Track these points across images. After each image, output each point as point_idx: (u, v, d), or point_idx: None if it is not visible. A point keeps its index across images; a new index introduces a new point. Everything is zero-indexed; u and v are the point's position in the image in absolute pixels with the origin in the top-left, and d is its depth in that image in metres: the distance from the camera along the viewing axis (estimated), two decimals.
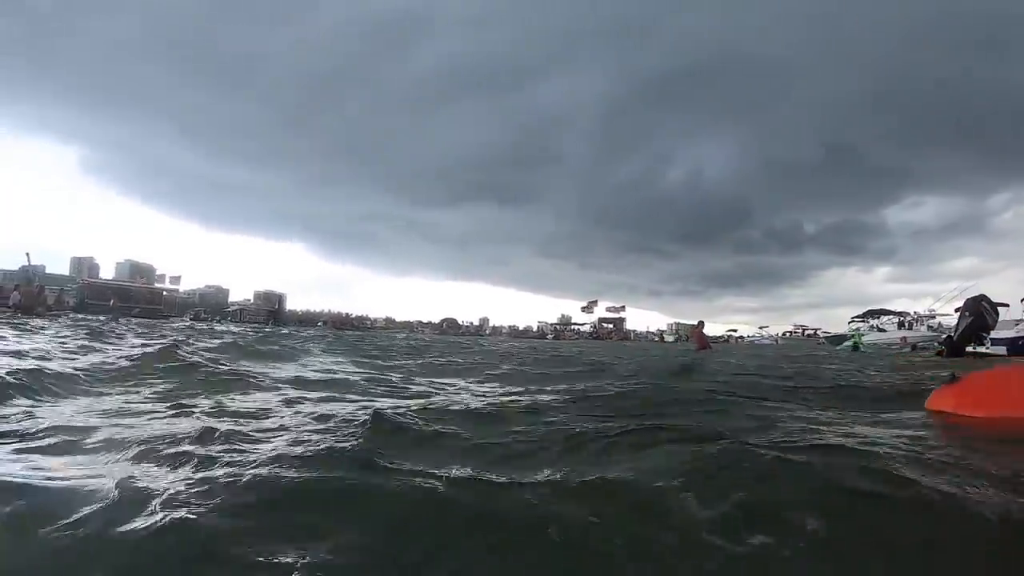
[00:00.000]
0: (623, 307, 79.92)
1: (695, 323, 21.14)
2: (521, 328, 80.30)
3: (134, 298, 39.94)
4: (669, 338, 68.21)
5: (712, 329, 78.53)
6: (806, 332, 73.67)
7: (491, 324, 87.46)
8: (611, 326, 74.93)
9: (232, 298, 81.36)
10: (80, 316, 22.77)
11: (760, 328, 74.93)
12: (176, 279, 48.29)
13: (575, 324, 79.14)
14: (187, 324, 26.77)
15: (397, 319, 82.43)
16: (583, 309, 79.33)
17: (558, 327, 77.19)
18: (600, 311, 77.90)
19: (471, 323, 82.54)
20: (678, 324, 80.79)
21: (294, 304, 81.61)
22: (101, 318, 23.01)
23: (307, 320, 69.58)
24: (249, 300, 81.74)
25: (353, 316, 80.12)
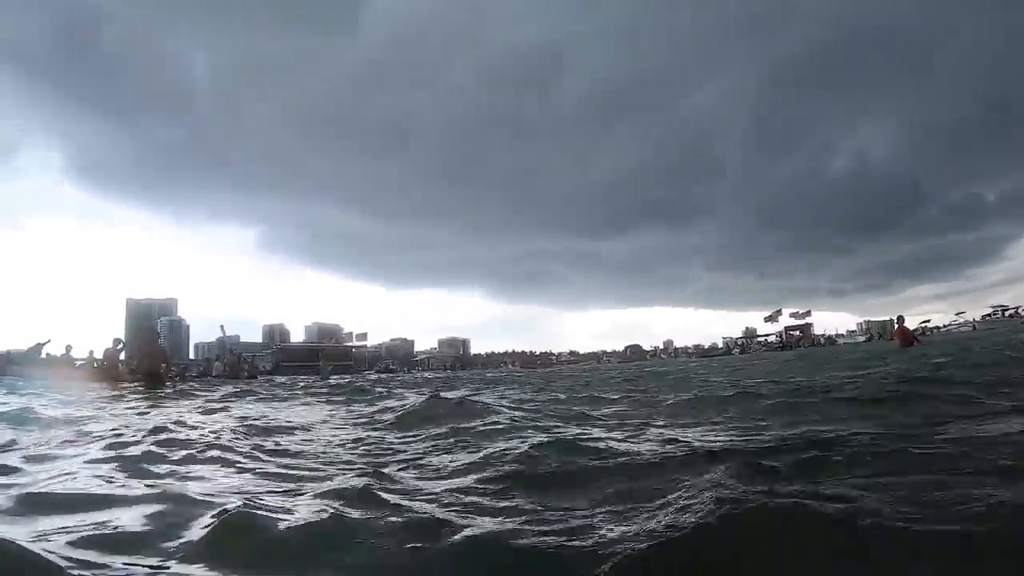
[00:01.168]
0: (808, 312, 74.52)
1: (888, 319, 16.59)
2: (706, 347, 76.97)
3: (328, 356, 41.87)
4: (860, 338, 63.27)
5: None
6: (1007, 313, 59.88)
7: (675, 345, 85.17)
8: (798, 333, 70.08)
9: (418, 348, 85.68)
10: (279, 379, 23.45)
11: (957, 315, 65.15)
12: (363, 336, 50.75)
13: (760, 336, 75.55)
14: (375, 377, 27.10)
15: (581, 351, 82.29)
16: (767, 319, 74.87)
17: (743, 341, 73.90)
18: (785, 319, 73.17)
19: (655, 347, 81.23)
20: (868, 322, 74.77)
21: (478, 348, 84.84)
22: (306, 378, 23.79)
23: (490, 362, 71.65)
24: (435, 348, 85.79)
25: (537, 353, 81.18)
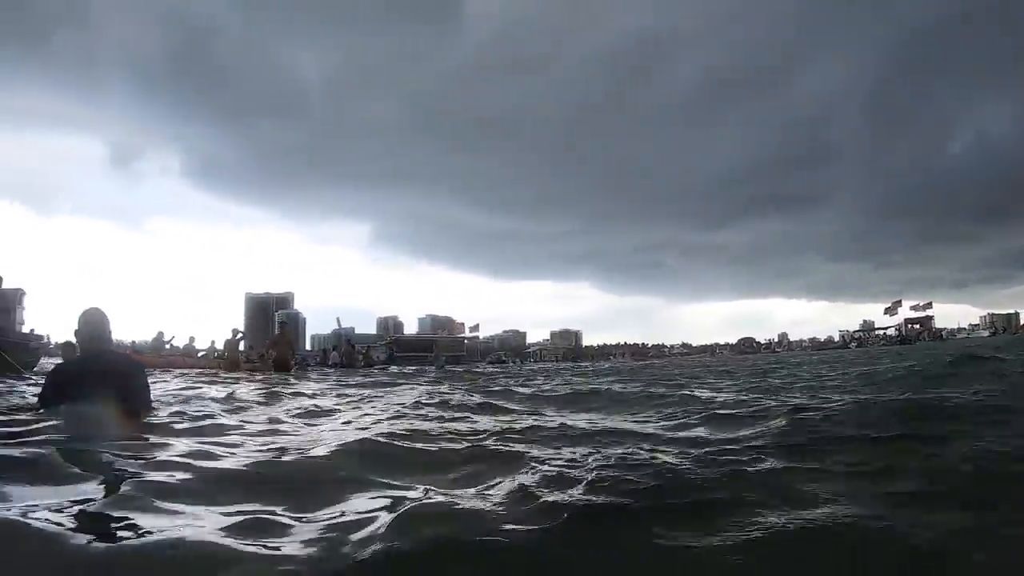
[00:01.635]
0: (929, 304, 69.28)
1: (1014, 312, 13.06)
2: (822, 339, 74.22)
3: (440, 347, 42.36)
4: (984, 332, 60.87)
5: None
6: None
7: (789, 339, 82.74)
8: (918, 326, 65.93)
9: (530, 340, 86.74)
10: (393, 368, 23.88)
11: None
12: (475, 327, 50.76)
13: (879, 329, 71.93)
14: (491, 368, 27.32)
15: (693, 343, 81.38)
16: (886, 311, 70.76)
17: (860, 335, 71.24)
18: (904, 312, 68.71)
19: (769, 340, 79.57)
20: (992, 315, 73.73)
21: (591, 340, 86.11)
22: (411, 368, 24.00)
23: (602, 354, 70.74)
24: (547, 340, 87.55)
25: (650, 346, 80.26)
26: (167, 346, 18.52)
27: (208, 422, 3.62)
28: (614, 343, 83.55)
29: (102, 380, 3.18)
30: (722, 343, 78.30)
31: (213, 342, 19.12)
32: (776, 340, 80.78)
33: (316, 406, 5.04)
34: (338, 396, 6.49)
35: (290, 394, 6.43)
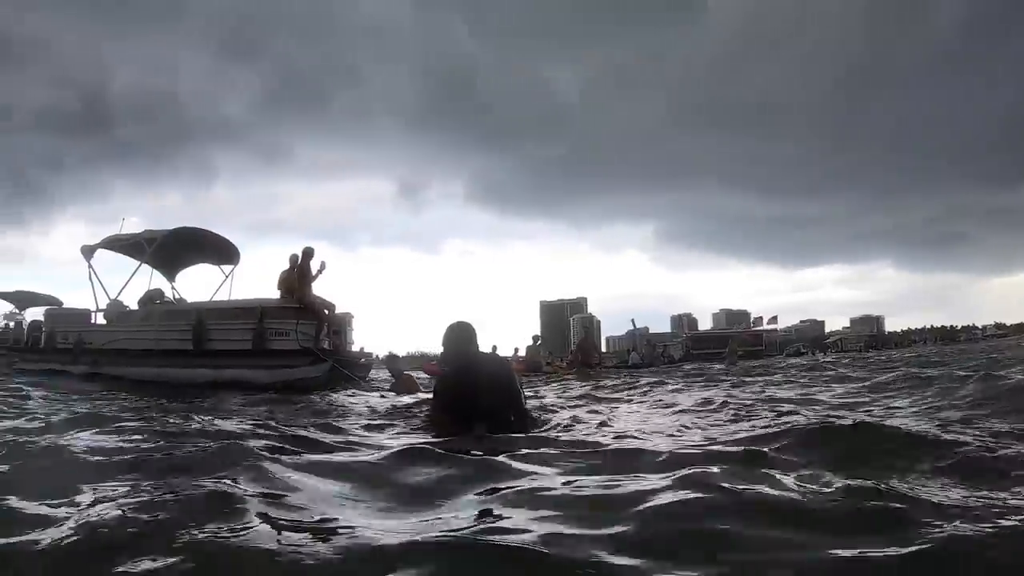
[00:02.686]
0: None
1: None
2: None
3: (736, 342, 39.03)
4: None
5: None
6: None
7: None
8: None
9: (828, 328, 77.57)
10: (687, 366, 22.12)
11: None
12: (772, 319, 45.89)
13: None
14: (790, 360, 25.89)
15: (1007, 322, 73.43)
16: None
17: None
18: None
19: None
20: None
21: (893, 325, 75.31)
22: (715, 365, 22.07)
23: (905, 340, 65.11)
24: (847, 328, 78.47)
25: (959, 328, 75.16)
26: None
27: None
28: (918, 327, 76.28)
29: (488, 384, 3.35)
30: None
31: (516, 349, 20.07)
32: None
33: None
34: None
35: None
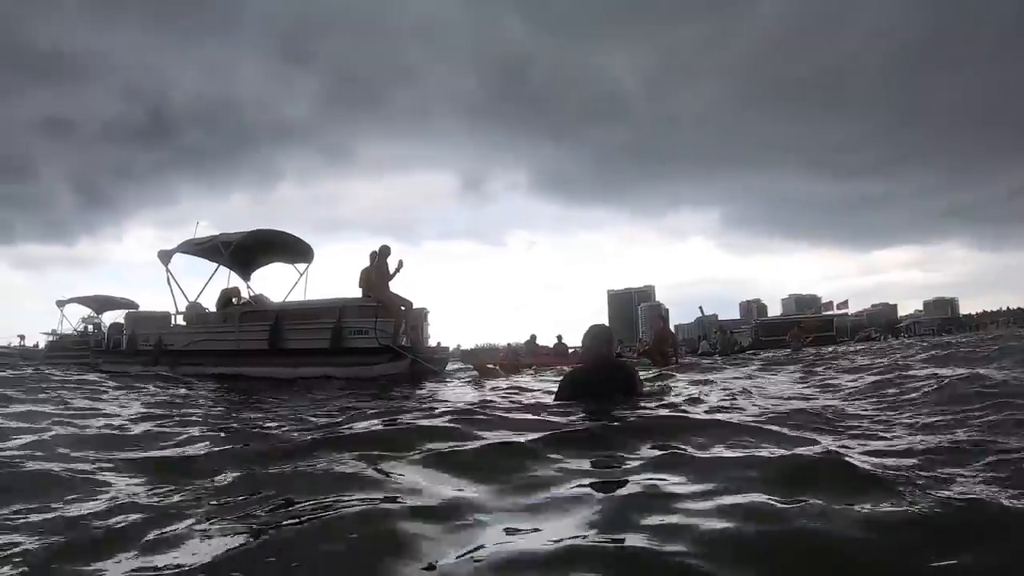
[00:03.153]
0: None
1: None
2: None
3: (805, 328, 37.59)
4: None
5: None
6: None
7: None
8: None
9: (901, 312, 74.06)
10: (763, 353, 21.81)
11: None
12: (843, 304, 44.16)
13: None
14: (856, 347, 24.63)
15: None
16: None
17: None
18: None
19: None
20: None
21: (968, 308, 71.07)
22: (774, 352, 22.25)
23: (983, 322, 60.96)
24: (919, 311, 74.76)
25: None
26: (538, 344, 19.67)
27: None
28: (994, 309, 71.87)
29: (609, 382, 3.83)
30: None
31: (559, 337, 19.68)
32: None
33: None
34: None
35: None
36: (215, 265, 12.82)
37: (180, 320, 12.69)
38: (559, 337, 19.52)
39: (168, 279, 12.51)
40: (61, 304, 26.12)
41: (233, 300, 12.14)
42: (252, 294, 12.94)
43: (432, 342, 11.57)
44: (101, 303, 25.82)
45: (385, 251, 10.31)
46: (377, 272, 10.18)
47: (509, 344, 23.58)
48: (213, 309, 12.29)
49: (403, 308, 10.48)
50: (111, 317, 26.17)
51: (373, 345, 9.98)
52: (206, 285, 12.69)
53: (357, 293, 10.64)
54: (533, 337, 20.20)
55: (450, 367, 12.26)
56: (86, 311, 27.01)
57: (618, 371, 4.04)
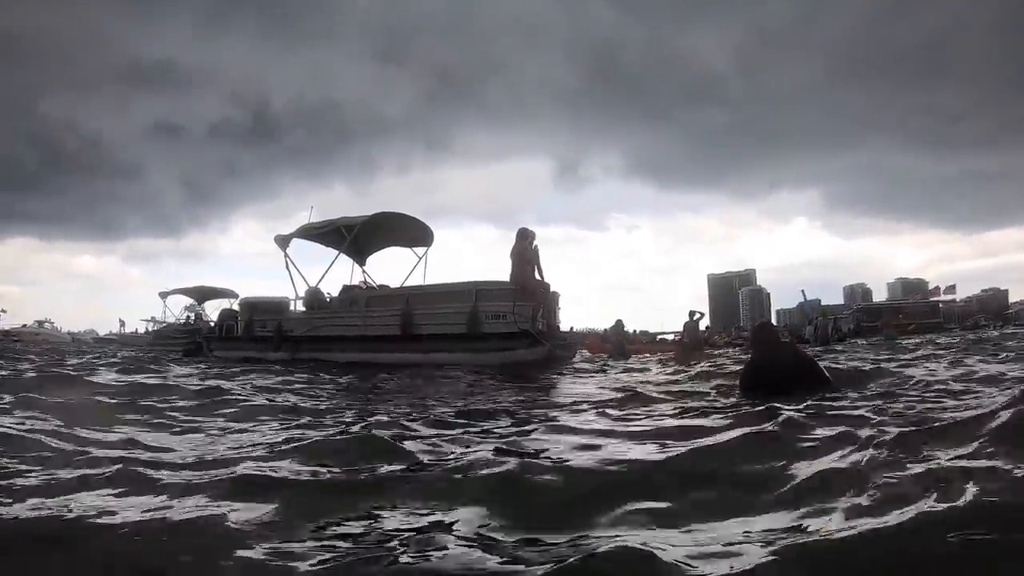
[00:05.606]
0: None
1: None
2: None
3: (909, 315, 35.21)
4: None
5: None
6: None
7: None
8: None
9: (1013, 298, 68.98)
10: (861, 342, 21.05)
11: None
12: (950, 288, 40.95)
13: None
14: (959, 336, 22.42)
15: None
16: None
17: None
18: None
19: None
20: None
21: None
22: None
23: None
24: None
25: None
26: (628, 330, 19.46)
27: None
28: None
29: (793, 370, 3.91)
30: None
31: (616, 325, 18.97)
32: None
33: None
34: None
35: None
36: (330, 251, 12.61)
37: (300, 306, 12.58)
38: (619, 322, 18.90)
39: (287, 264, 12.38)
40: (164, 295, 27.16)
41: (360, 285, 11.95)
42: (367, 279, 12.72)
43: (565, 328, 11.00)
44: (203, 293, 26.64)
45: (527, 233, 9.73)
46: (518, 255, 9.62)
47: (606, 330, 22.97)
48: (335, 295, 12.12)
49: (543, 292, 9.93)
50: (212, 307, 27.15)
51: (512, 330, 9.46)
52: (327, 270, 12.51)
53: (488, 276, 10.15)
54: (619, 322, 19.34)
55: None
56: (188, 300, 27.96)
57: (799, 357, 4.22)
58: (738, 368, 9.71)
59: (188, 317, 28.29)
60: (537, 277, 9.85)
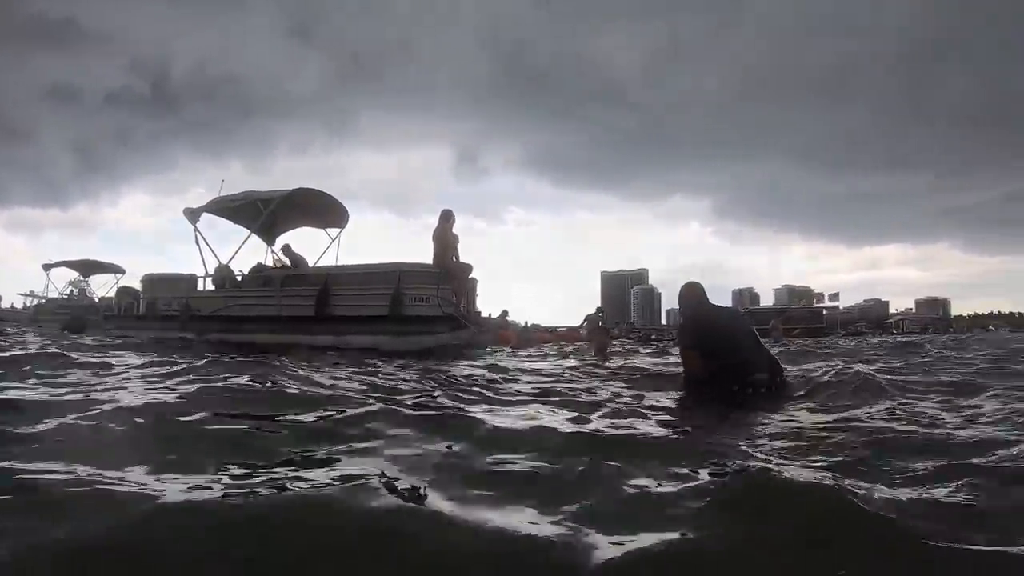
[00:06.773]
0: None
1: None
2: None
3: (794, 319, 38.29)
4: None
5: None
6: None
7: None
8: None
9: (893, 309, 76.90)
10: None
11: None
12: (834, 296, 44.78)
13: None
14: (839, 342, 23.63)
15: None
16: None
17: None
18: None
19: None
20: None
21: (959, 309, 76.31)
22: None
23: (975, 325, 66.55)
24: (910, 310, 78.61)
25: None
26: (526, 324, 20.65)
27: None
28: (985, 312, 72.90)
29: (728, 323, 4.03)
30: None
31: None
32: None
33: None
34: None
35: None
36: (247, 228, 12.03)
37: (209, 284, 11.92)
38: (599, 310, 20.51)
39: (196, 239, 11.65)
40: (47, 267, 24.97)
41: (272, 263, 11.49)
42: (280, 258, 12.21)
43: (483, 313, 11.17)
44: (88, 267, 24.84)
45: (450, 215, 9.73)
46: (442, 236, 9.62)
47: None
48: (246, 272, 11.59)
49: (464, 275, 10.00)
50: (98, 282, 25.23)
51: (436, 313, 9.44)
52: (239, 248, 11.88)
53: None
54: (504, 312, 19.22)
55: None
56: (73, 275, 25.86)
57: (731, 316, 4.36)
58: (649, 351, 10.35)
59: (72, 292, 26.23)
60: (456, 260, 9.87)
